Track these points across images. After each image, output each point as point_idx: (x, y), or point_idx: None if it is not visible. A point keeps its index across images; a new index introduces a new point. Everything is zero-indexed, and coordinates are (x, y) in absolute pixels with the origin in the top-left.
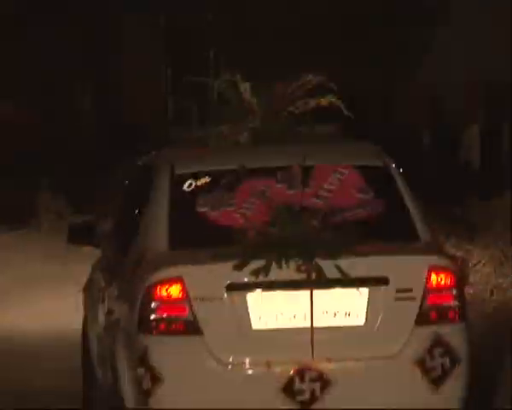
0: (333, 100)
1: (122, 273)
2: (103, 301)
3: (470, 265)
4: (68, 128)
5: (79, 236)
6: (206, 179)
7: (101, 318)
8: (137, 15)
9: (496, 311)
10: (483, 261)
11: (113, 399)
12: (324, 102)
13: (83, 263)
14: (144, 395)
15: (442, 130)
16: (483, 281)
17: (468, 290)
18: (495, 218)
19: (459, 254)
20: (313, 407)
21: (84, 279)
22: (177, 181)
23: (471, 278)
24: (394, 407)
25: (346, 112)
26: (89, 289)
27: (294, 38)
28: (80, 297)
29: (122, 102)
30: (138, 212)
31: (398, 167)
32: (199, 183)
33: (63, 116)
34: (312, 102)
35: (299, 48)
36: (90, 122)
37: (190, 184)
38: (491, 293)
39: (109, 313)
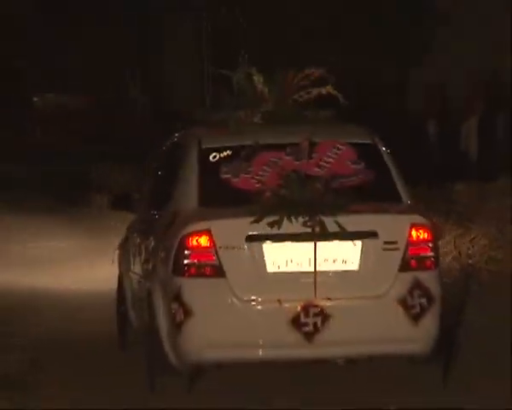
0: (331, 90)
1: (158, 229)
2: (140, 254)
3: (468, 239)
4: (119, 114)
5: (119, 203)
6: (228, 152)
7: (138, 267)
8: (179, 14)
9: (490, 278)
10: (480, 236)
11: (148, 334)
12: (324, 91)
13: None
14: (177, 326)
15: (446, 121)
16: (479, 253)
17: (468, 260)
18: (491, 199)
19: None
20: (315, 337)
21: None
22: (204, 153)
23: (470, 251)
24: (381, 336)
25: (342, 100)
26: (124, 246)
27: (312, 35)
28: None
29: (164, 91)
30: (171, 179)
31: (385, 145)
32: (222, 154)
33: (114, 104)
34: (314, 91)
35: (316, 41)
36: (138, 110)
37: (215, 156)
38: (486, 263)
39: (146, 261)
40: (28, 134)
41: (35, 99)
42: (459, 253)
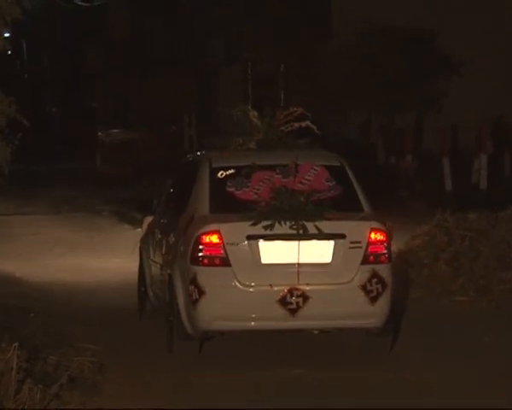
0: (308, 124)
1: (177, 228)
2: (160, 247)
3: (481, 261)
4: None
5: (142, 207)
6: (232, 171)
7: (158, 257)
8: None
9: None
10: (491, 258)
11: (168, 308)
12: (303, 125)
13: None
14: (193, 303)
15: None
16: (491, 273)
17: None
18: (500, 225)
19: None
20: (297, 312)
21: None
22: (213, 171)
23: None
24: (347, 313)
25: (317, 131)
26: (144, 240)
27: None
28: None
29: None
30: (187, 190)
31: (349, 166)
32: (227, 172)
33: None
34: (296, 125)
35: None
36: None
37: (222, 173)
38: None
39: (167, 253)
40: (93, 165)
41: (99, 134)
42: (471, 272)
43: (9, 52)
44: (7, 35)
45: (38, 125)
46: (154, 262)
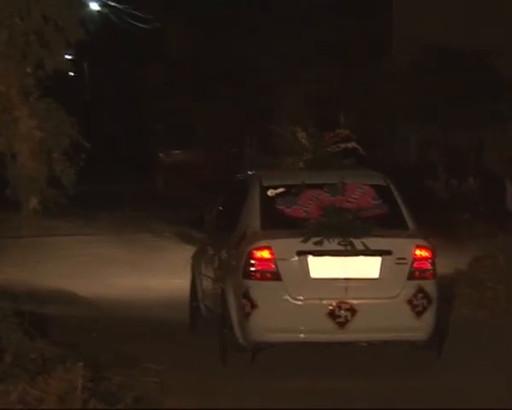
0: (354, 145)
1: (229, 243)
2: (213, 262)
3: None
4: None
5: (194, 223)
6: (282, 189)
7: (211, 271)
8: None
9: None
10: None
11: (221, 321)
12: (349, 146)
13: None
14: (245, 315)
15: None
16: None
17: None
18: None
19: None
20: (345, 326)
21: None
22: (264, 190)
23: None
24: (393, 327)
25: (362, 152)
26: (196, 256)
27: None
28: None
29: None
30: (239, 207)
31: (395, 186)
32: (277, 191)
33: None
34: (342, 146)
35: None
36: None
37: (272, 192)
38: None
39: (219, 268)
40: (154, 186)
41: (160, 155)
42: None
43: (71, 74)
44: (69, 57)
45: (99, 146)
46: (207, 277)
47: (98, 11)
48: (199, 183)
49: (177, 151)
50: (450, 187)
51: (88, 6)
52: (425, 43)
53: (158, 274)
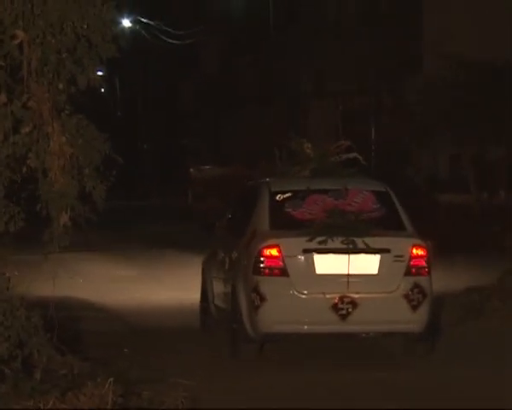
0: (356, 155)
1: (240, 244)
2: (224, 263)
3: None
4: None
5: (206, 228)
6: (289, 194)
7: (222, 273)
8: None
9: None
10: None
11: (232, 316)
12: (351, 156)
13: None
14: (255, 309)
15: None
16: None
17: None
18: None
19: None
20: (347, 318)
21: None
22: (273, 195)
23: None
24: (391, 319)
25: (363, 162)
26: (207, 262)
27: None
28: None
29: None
30: (249, 211)
31: (393, 192)
32: (285, 196)
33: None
34: (344, 156)
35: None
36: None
37: (280, 196)
38: None
39: (230, 267)
40: (186, 201)
41: (191, 170)
42: None
43: (103, 90)
44: (101, 73)
45: (131, 162)
46: (217, 278)
47: (130, 27)
48: (229, 198)
49: (207, 167)
50: (482, 200)
51: (120, 23)
52: (455, 57)
53: (191, 289)
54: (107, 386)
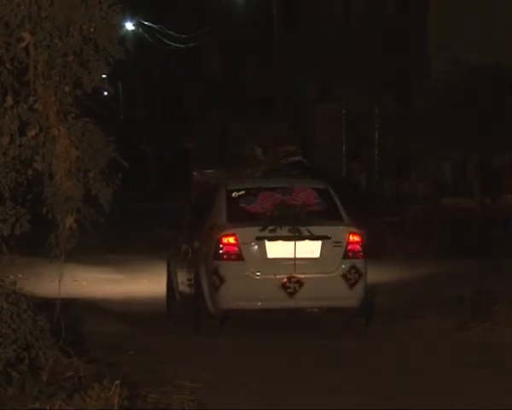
0: (300, 158)
1: (201, 235)
2: (187, 254)
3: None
4: None
5: (173, 226)
6: (243, 192)
7: (185, 262)
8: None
9: None
10: None
11: (195, 296)
12: (296, 159)
13: None
14: (216, 289)
15: None
16: None
17: None
18: None
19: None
20: (294, 295)
21: None
22: (229, 192)
23: None
24: (332, 296)
25: (306, 164)
26: (172, 256)
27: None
28: None
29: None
30: (209, 206)
31: (333, 189)
32: (239, 193)
33: None
34: (291, 159)
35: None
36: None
37: (235, 194)
38: None
39: (192, 256)
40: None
41: (194, 174)
42: None
43: (106, 93)
44: (103, 76)
45: (133, 165)
46: (181, 268)
47: (133, 31)
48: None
49: (210, 170)
50: (485, 205)
51: (124, 26)
52: (461, 62)
53: None
54: (113, 389)
